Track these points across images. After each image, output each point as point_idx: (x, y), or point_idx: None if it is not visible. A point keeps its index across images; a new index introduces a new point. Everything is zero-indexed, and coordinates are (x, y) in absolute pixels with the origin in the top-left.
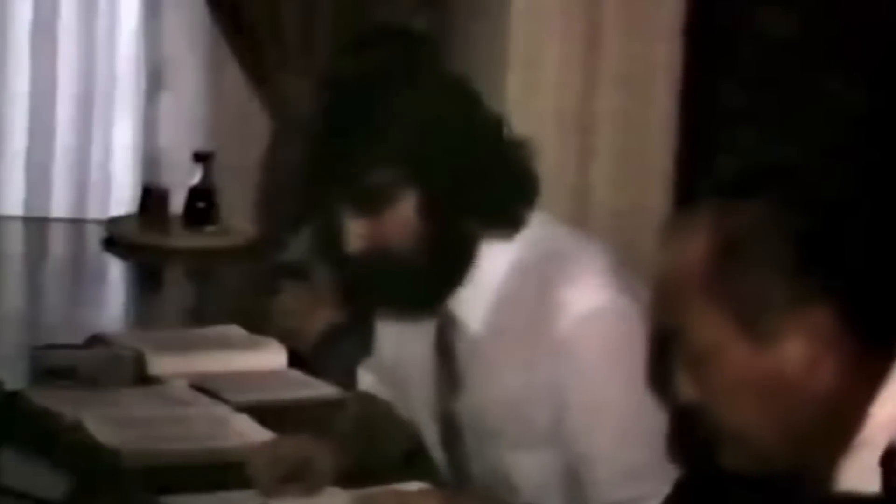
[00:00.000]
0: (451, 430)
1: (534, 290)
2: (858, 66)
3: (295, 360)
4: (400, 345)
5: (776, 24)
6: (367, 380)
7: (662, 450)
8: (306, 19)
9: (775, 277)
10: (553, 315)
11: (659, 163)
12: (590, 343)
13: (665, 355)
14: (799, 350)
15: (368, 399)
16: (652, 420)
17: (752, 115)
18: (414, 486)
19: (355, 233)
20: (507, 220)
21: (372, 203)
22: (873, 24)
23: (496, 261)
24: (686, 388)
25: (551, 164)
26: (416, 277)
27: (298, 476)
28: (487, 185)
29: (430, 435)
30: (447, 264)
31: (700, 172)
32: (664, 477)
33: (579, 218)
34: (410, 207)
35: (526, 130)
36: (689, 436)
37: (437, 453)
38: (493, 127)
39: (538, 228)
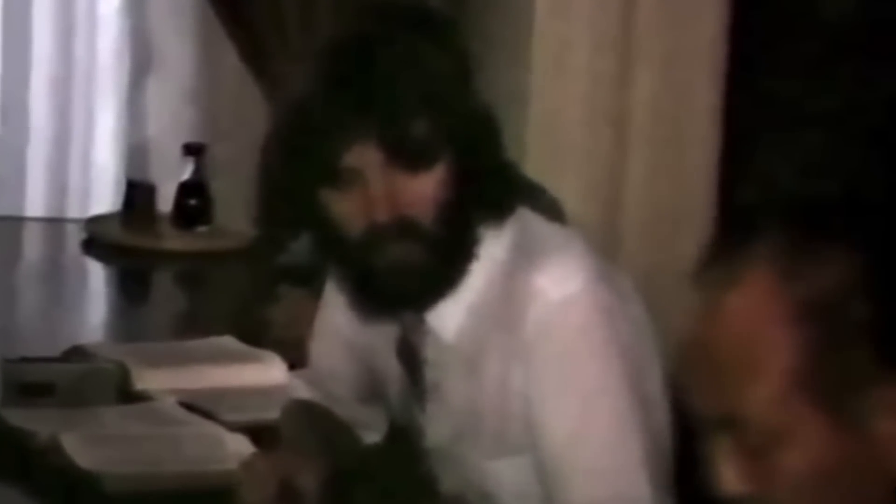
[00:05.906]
0: (414, 441)
1: (506, 287)
2: None
3: None
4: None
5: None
6: (295, 384)
7: (634, 444)
8: (307, 5)
9: (864, 344)
10: (526, 307)
11: (700, 157)
12: (564, 328)
13: (695, 441)
14: (890, 427)
15: (311, 407)
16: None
17: (806, 106)
18: None
19: (379, 195)
20: (499, 212)
21: (410, 159)
22: None
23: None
24: (736, 482)
25: (581, 157)
26: (425, 265)
27: (286, 494)
28: (496, 168)
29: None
30: (454, 260)
31: (746, 170)
32: (635, 474)
33: (610, 217)
34: (441, 175)
35: (554, 120)
36: None
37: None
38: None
39: (510, 223)
